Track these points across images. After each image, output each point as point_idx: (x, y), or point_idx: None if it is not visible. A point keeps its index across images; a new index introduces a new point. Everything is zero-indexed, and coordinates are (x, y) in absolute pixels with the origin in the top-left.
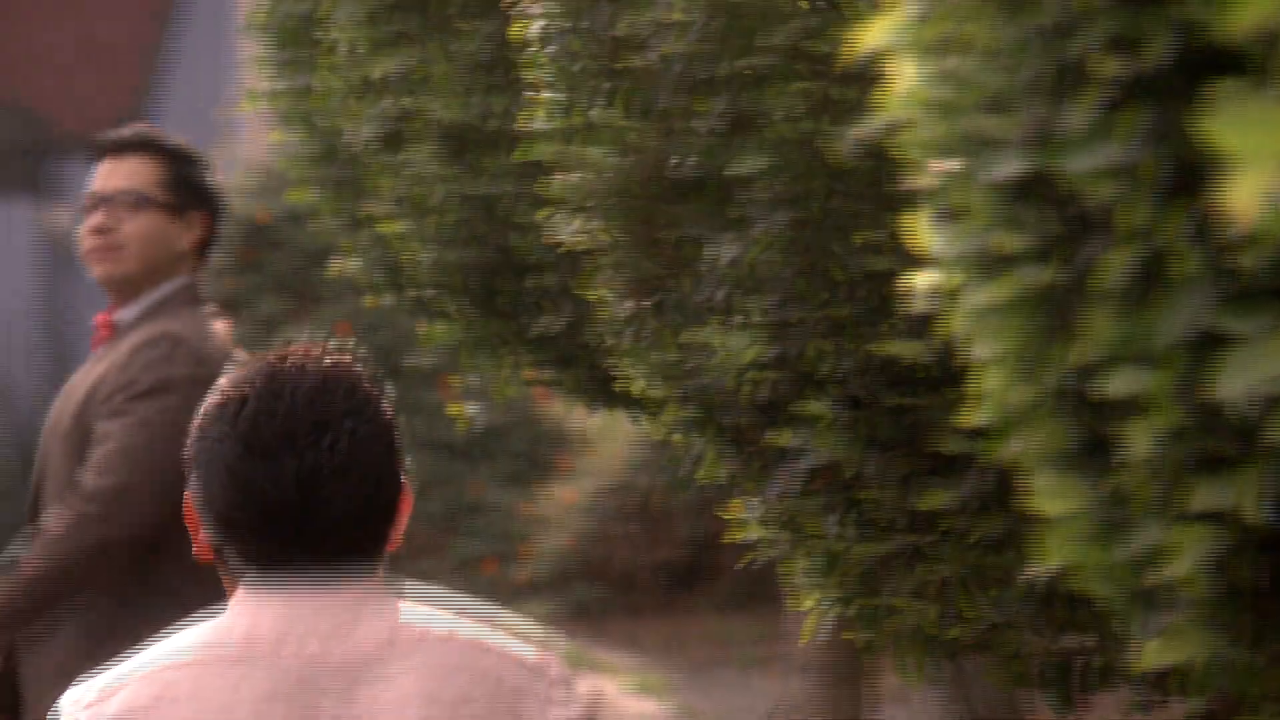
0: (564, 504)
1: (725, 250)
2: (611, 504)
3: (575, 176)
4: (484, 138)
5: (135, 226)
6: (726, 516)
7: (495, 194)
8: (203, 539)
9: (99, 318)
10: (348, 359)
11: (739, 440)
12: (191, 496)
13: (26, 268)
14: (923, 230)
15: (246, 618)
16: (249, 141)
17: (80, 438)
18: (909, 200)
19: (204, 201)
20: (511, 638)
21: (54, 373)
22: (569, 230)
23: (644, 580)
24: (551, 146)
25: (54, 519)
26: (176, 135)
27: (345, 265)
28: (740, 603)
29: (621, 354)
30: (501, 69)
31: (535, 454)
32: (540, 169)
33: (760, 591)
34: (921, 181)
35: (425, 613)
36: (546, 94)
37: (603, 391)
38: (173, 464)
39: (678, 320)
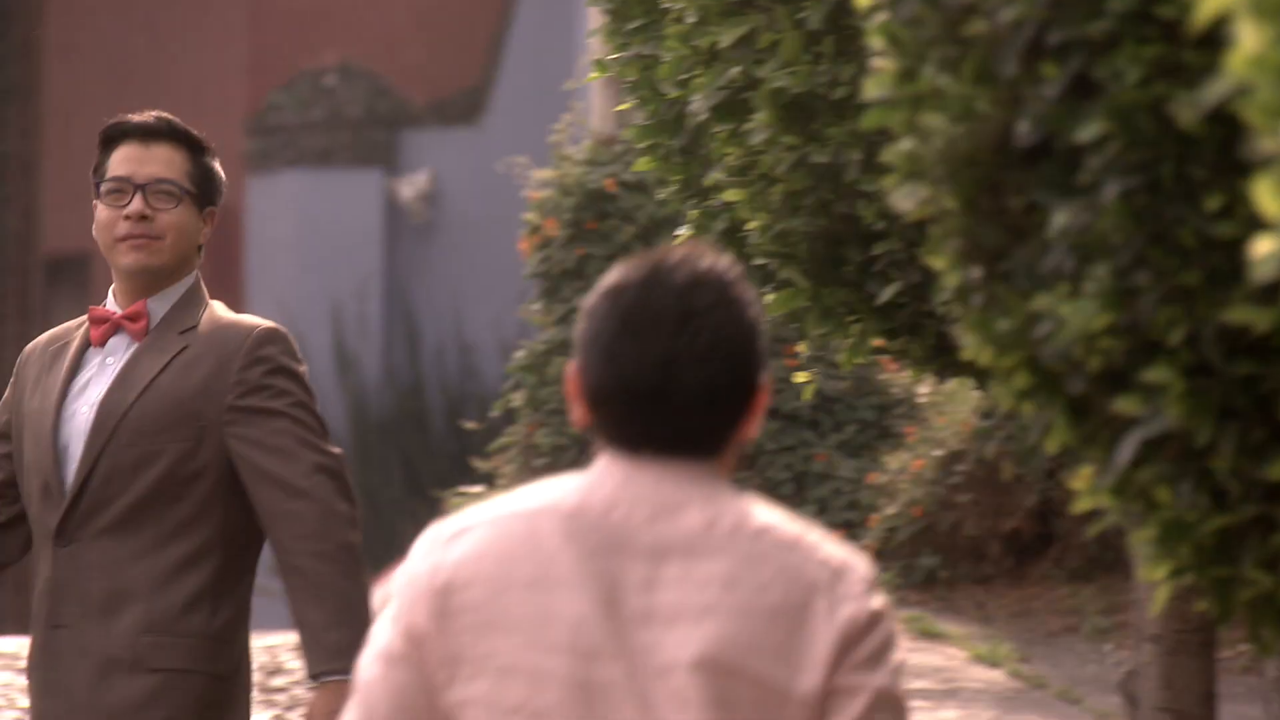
0: (911, 473)
1: (1072, 217)
2: (959, 473)
3: (915, 144)
4: (829, 105)
5: (173, 217)
6: (1073, 486)
7: (840, 162)
8: (579, 410)
9: (119, 312)
10: (725, 265)
11: (1085, 408)
12: (573, 369)
13: (374, 238)
14: (1269, 196)
15: (592, 481)
16: (595, 112)
17: (194, 431)
18: (1258, 165)
19: (217, 197)
20: (826, 542)
21: (398, 342)
22: (910, 198)
23: (992, 550)
24: (896, 114)
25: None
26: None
27: (690, 234)
28: (1089, 572)
29: (965, 322)
30: (847, 36)
31: (881, 422)
32: (886, 136)
33: (1109, 560)
34: (1268, 146)
35: (750, 506)
36: (889, 61)
37: (949, 359)
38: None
39: (1023, 287)
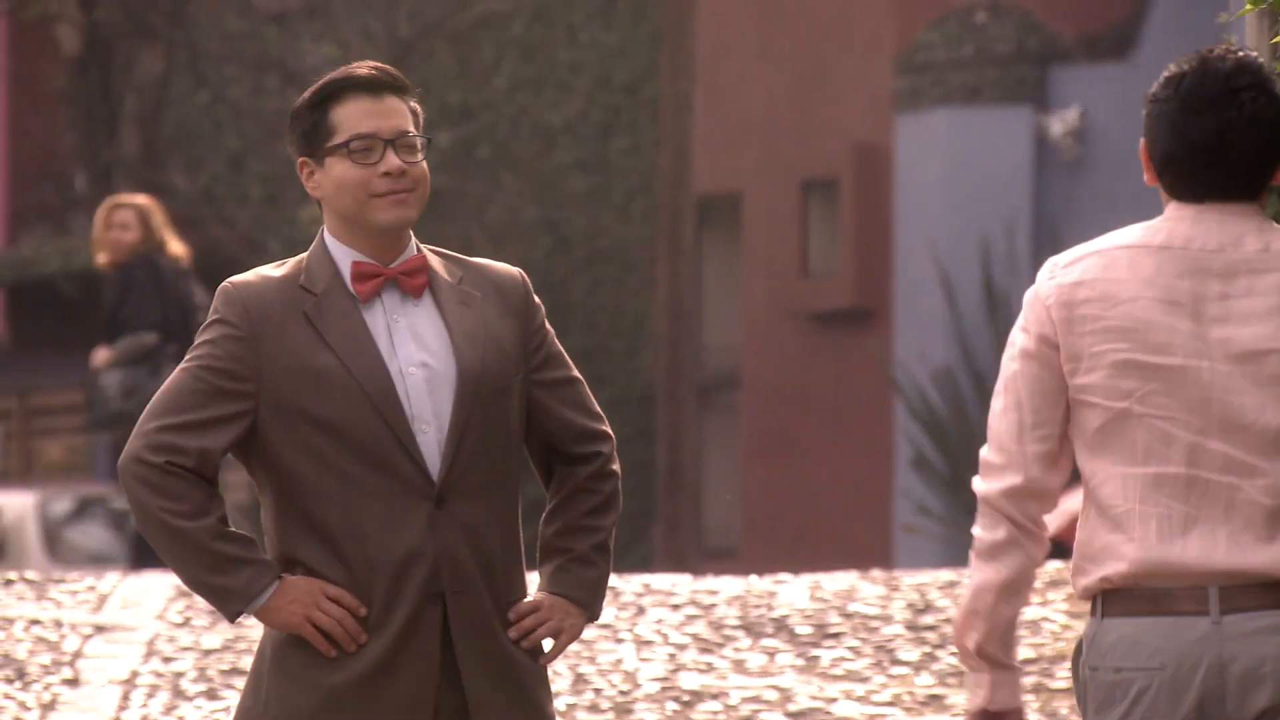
0: None
1: None
2: None
3: None
4: None
5: (421, 170)
6: None
7: None
8: (1149, 174)
9: (387, 267)
10: (1255, 56)
11: None
12: (1143, 143)
13: (1023, 175)
14: None
15: (1170, 223)
16: (1249, 45)
17: (522, 385)
18: None
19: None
20: None
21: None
22: None
23: None
24: None
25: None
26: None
27: None
28: None
29: None
30: None
31: None
32: None
33: None
34: None
35: None
36: None
37: None
38: None
39: None
